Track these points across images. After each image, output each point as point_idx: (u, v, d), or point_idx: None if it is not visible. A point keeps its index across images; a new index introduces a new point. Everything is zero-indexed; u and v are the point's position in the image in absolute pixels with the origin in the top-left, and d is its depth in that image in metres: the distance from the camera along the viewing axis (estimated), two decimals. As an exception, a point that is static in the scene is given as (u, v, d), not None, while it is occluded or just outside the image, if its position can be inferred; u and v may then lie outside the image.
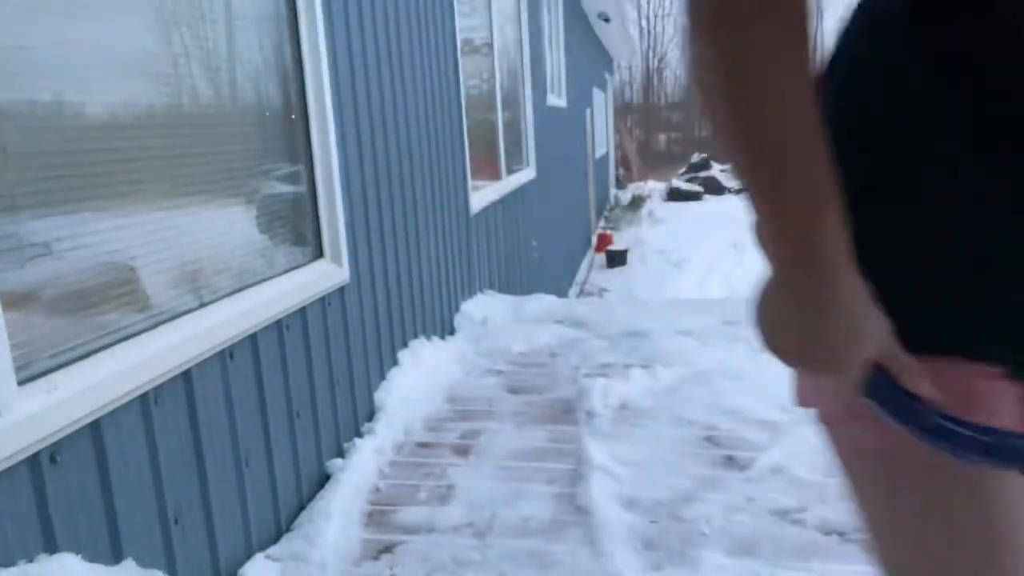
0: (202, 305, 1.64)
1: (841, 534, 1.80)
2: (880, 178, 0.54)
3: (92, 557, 1.23)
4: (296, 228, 2.13)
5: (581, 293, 8.58)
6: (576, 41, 9.82)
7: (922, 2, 0.51)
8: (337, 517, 1.90)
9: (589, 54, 12.16)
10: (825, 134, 0.46)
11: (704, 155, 20.37)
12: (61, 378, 1.22)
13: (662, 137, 35.58)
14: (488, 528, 1.89)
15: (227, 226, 1.78)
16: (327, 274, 2.17)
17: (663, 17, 43.83)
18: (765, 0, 0.44)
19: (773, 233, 0.49)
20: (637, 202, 15.11)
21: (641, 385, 2.91)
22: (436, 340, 3.27)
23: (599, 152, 14.05)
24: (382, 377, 2.66)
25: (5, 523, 1.10)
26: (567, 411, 2.63)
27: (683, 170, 20.31)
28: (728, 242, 10.74)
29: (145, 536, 1.38)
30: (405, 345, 2.91)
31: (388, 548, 1.83)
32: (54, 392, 1.18)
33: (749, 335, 3.47)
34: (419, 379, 2.83)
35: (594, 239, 11.44)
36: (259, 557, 1.74)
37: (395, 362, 2.78)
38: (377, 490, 2.13)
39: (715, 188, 18.25)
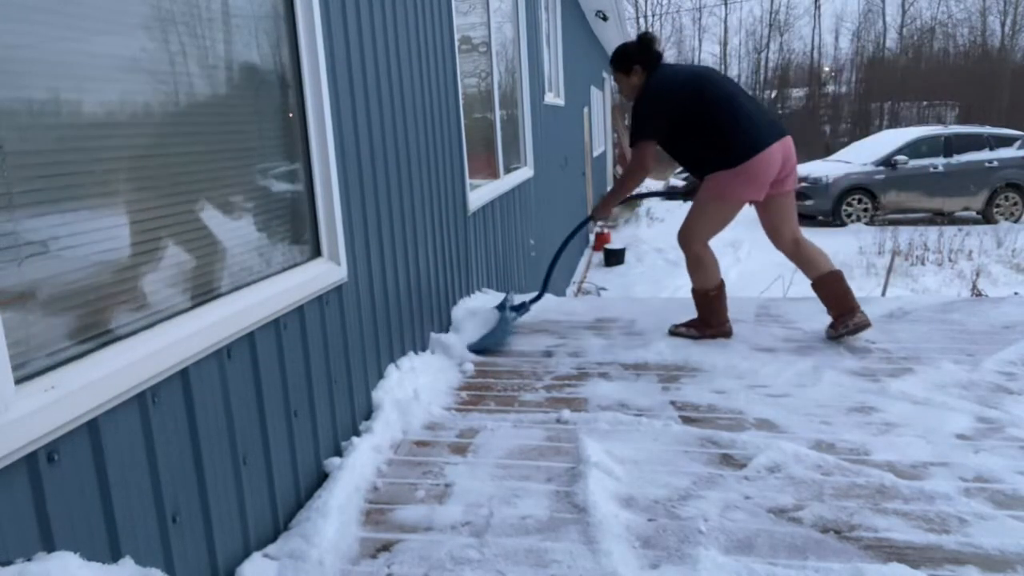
0: (199, 304, 1.64)
1: (838, 532, 1.80)
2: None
3: (90, 555, 1.23)
4: (293, 226, 2.13)
5: (579, 292, 8.58)
6: (574, 40, 9.82)
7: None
8: (335, 516, 1.90)
9: (587, 53, 12.16)
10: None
11: (702, 154, 20.33)
12: (58, 377, 1.22)
13: (660, 136, 35.45)
14: (486, 527, 1.90)
15: (224, 224, 1.78)
16: (325, 273, 2.17)
17: (661, 16, 43.84)
18: (642, 172, 3.36)
19: (611, 200, 3.63)
20: (634, 200, 15.10)
21: (639, 383, 2.91)
22: (433, 338, 3.26)
23: (597, 151, 14.05)
24: (380, 376, 2.66)
25: (3, 522, 1.10)
26: (564, 409, 2.63)
27: (680, 169, 20.29)
28: (725, 241, 10.74)
29: (143, 534, 1.38)
30: (403, 343, 2.91)
31: (386, 547, 1.83)
32: (51, 391, 1.18)
33: (745, 333, 3.48)
34: (417, 377, 2.83)
35: (592, 237, 11.45)
36: (257, 556, 1.74)
37: (393, 360, 2.78)
38: (375, 489, 2.13)
39: (713, 187, 18.23)
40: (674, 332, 3.51)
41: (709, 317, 3.48)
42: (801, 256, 3.39)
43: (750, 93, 3.68)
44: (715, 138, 3.19)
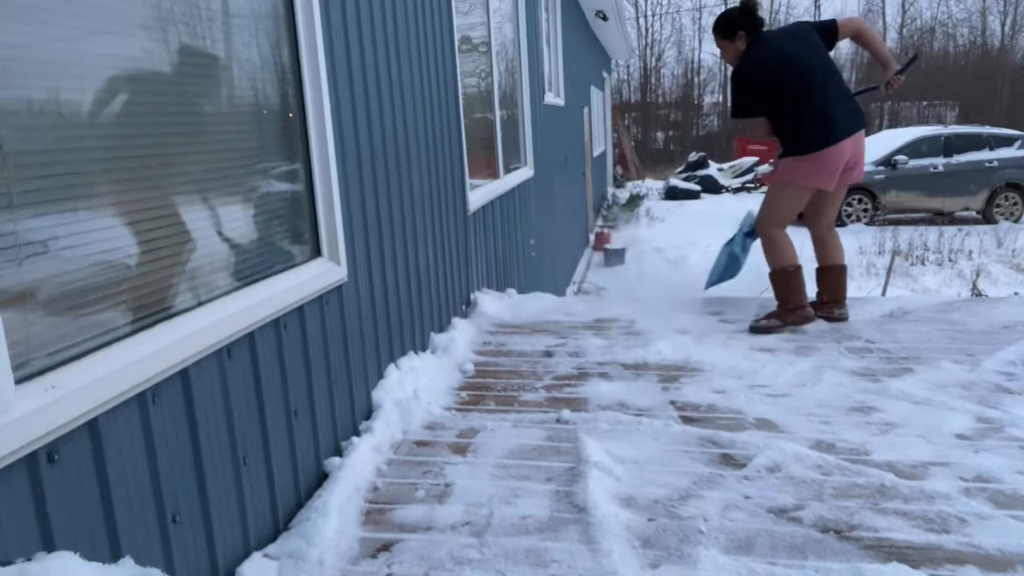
0: (200, 303, 1.64)
1: (838, 532, 1.80)
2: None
3: (90, 555, 1.23)
4: (294, 226, 2.13)
5: (579, 291, 8.58)
6: (574, 40, 9.81)
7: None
8: (335, 516, 1.90)
9: (587, 53, 12.16)
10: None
11: (702, 154, 20.36)
12: (58, 377, 1.22)
13: (660, 135, 35.57)
14: (486, 526, 1.90)
15: (224, 224, 1.78)
16: (325, 272, 2.17)
17: (661, 16, 43.80)
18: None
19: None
20: (635, 200, 15.10)
21: (639, 383, 2.91)
22: (433, 338, 3.26)
23: (597, 151, 14.05)
24: (380, 376, 2.66)
25: (3, 522, 1.10)
26: (564, 409, 2.63)
27: (680, 168, 20.30)
28: (726, 241, 10.73)
29: (143, 534, 1.39)
30: (403, 344, 2.91)
31: (386, 546, 1.83)
32: (52, 391, 1.18)
33: (745, 332, 3.48)
34: (417, 377, 2.83)
35: (592, 237, 11.45)
36: (257, 556, 1.74)
37: (393, 360, 2.78)
38: (375, 488, 2.13)
39: (712, 187, 18.25)
40: (755, 328, 3.51)
41: (789, 295, 3.51)
42: (827, 242, 3.72)
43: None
44: (792, 124, 3.44)
